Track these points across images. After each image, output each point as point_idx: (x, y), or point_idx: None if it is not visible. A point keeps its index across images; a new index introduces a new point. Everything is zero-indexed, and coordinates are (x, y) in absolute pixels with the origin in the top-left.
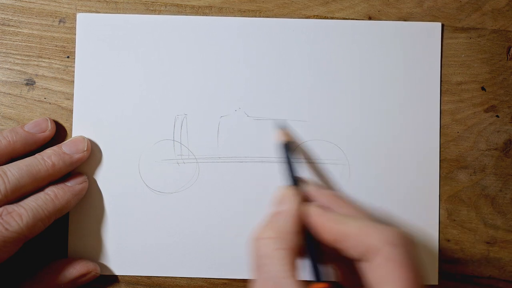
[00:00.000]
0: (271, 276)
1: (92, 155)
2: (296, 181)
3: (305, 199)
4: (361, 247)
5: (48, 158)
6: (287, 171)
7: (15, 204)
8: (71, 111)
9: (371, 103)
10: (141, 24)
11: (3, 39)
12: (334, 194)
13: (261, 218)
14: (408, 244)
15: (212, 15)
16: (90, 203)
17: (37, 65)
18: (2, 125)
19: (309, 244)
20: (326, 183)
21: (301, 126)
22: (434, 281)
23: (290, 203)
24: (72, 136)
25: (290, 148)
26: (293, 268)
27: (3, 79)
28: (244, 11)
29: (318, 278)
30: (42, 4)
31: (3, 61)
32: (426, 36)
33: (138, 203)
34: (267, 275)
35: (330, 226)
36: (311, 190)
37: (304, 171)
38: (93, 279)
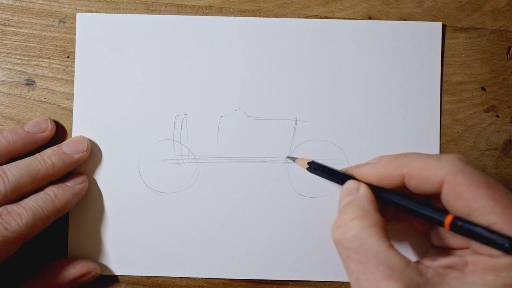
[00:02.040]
0: (372, 254)
1: (92, 155)
2: (347, 177)
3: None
4: (424, 183)
5: (48, 158)
6: (337, 174)
7: (14, 204)
8: (71, 111)
9: (371, 103)
10: (141, 24)
11: (3, 39)
12: (378, 158)
13: (260, 218)
14: (469, 166)
15: (212, 15)
16: (90, 203)
17: (37, 65)
18: (2, 125)
19: (399, 201)
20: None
21: (301, 126)
22: None
23: (361, 188)
24: (72, 136)
25: (315, 164)
26: (389, 242)
27: (3, 79)
28: (244, 11)
29: (438, 213)
30: (42, 4)
31: (3, 61)
32: (427, 36)
33: (138, 203)
34: (365, 256)
35: (389, 173)
36: (363, 171)
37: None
38: (93, 279)
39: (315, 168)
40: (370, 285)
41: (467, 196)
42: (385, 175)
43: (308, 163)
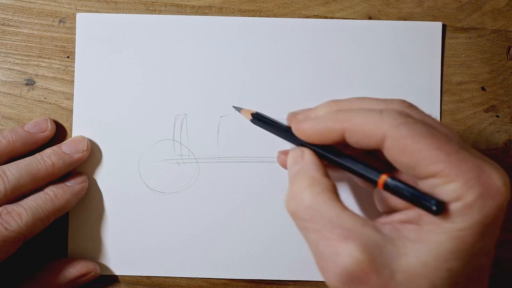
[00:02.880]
0: (326, 220)
1: (92, 155)
2: (295, 139)
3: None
4: (366, 139)
5: (48, 158)
6: (277, 130)
7: (14, 204)
8: (71, 111)
9: None
10: (141, 24)
11: (3, 39)
12: (317, 111)
13: (260, 218)
14: (413, 112)
15: (212, 15)
16: (90, 203)
17: (37, 65)
18: (2, 125)
19: (338, 160)
20: None
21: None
22: None
23: (305, 156)
24: (72, 136)
25: (258, 115)
26: (343, 205)
27: (3, 79)
28: (244, 11)
29: (376, 171)
30: (42, 4)
31: (3, 61)
32: (427, 36)
33: (138, 203)
34: (320, 223)
35: (329, 128)
36: (303, 129)
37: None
38: (93, 279)
39: (258, 119)
40: (329, 250)
41: (411, 149)
42: (326, 131)
43: (252, 114)
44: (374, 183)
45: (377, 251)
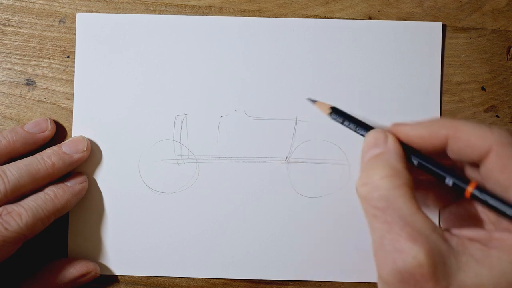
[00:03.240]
0: (399, 216)
1: (92, 155)
2: (370, 127)
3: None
4: (469, 148)
5: (48, 158)
6: (361, 124)
7: (14, 204)
8: (71, 111)
9: (371, 103)
10: (141, 24)
11: (3, 39)
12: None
13: (260, 218)
14: None
15: (212, 15)
16: (90, 203)
17: (37, 65)
18: (2, 125)
19: (425, 163)
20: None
21: (301, 126)
22: None
23: (389, 140)
24: (72, 136)
25: (337, 110)
26: (418, 205)
27: (3, 79)
28: (244, 11)
29: (460, 179)
30: (42, 4)
31: (3, 61)
32: (427, 36)
33: (138, 203)
34: (392, 216)
35: (432, 132)
36: (404, 130)
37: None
38: (93, 279)
39: (338, 114)
40: (394, 245)
41: (511, 170)
42: (429, 136)
43: (331, 108)
44: (461, 191)
45: (440, 260)
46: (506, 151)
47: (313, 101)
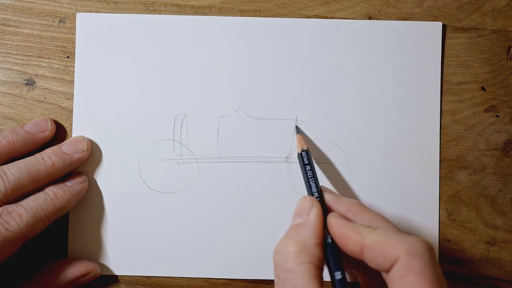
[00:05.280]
0: None
1: (92, 155)
2: (316, 191)
3: (326, 209)
4: (381, 257)
5: (48, 158)
6: (308, 180)
7: (15, 204)
8: (71, 111)
9: (371, 103)
10: (141, 24)
11: (3, 39)
12: (354, 203)
13: (260, 218)
14: (428, 254)
15: (212, 15)
16: (90, 203)
17: (37, 65)
18: (2, 125)
19: (331, 255)
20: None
21: (301, 126)
22: None
23: (311, 214)
24: (72, 136)
25: (309, 156)
26: (318, 282)
27: (3, 79)
28: (244, 11)
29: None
30: (42, 4)
31: (3, 61)
32: (427, 36)
33: (138, 203)
34: None
35: (351, 237)
36: (331, 200)
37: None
38: (93, 279)
39: (305, 157)
40: None
41: (409, 282)
42: (348, 239)
43: (302, 149)
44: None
45: None
46: (410, 261)
47: (297, 131)
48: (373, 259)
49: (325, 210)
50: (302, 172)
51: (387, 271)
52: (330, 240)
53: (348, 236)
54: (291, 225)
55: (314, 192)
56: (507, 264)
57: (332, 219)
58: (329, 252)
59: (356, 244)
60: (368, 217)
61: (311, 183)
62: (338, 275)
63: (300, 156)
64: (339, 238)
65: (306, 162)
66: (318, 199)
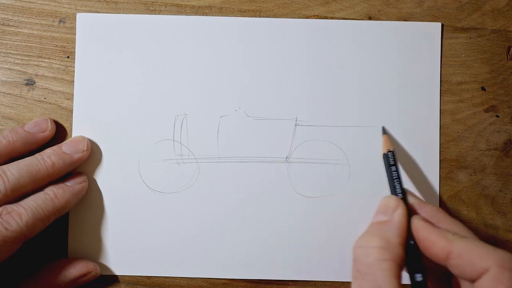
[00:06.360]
0: (375, 286)
1: (92, 155)
2: (401, 192)
3: (409, 211)
4: (469, 266)
5: (48, 158)
6: (392, 180)
7: (14, 204)
8: (71, 111)
9: (371, 103)
10: (141, 24)
11: (3, 39)
12: (439, 210)
13: (260, 218)
14: None
15: (212, 15)
16: (90, 203)
17: (37, 65)
18: (2, 125)
19: (412, 257)
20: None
21: (301, 126)
22: None
23: (396, 214)
24: (72, 136)
25: (395, 157)
26: (398, 280)
27: (3, 79)
28: (244, 11)
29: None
30: (42, 4)
31: (3, 61)
32: (426, 36)
33: (138, 203)
34: (371, 284)
35: (436, 242)
36: (414, 203)
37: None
38: (93, 279)
39: (391, 159)
40: None
41: None
42: (435, 243)
43: (389, 150)
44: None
45: None
46: (502, 274)
47: (384, 132)
48: (459, 266)
49: (409, 212)
50: (386, 172)
51: (473, 280)
52: (412, 242)
53: (434, 240)
54: (373, 221)
55: (399, 193)
56: None
57: (417, 222)
58: (412, 253)
59: (443, 249)
60: (452, 225)
61: (395, 183)
62: (419, 277)
63: (386, 156)
64: (424, 241)
65: (392, 162)
66: (403, 200)
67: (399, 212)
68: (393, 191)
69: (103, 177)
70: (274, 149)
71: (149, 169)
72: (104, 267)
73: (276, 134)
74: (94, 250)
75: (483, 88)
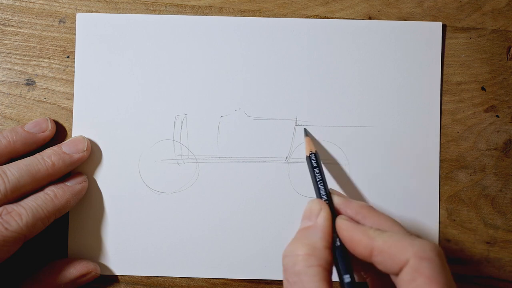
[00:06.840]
0: None
1: (92, 155)
2: (325, 194)
3: (335, 212)
4: (390, 260)
5: (48, 158)
6: (316, 183)
7: (14, 204)
8: (71, 111)
9: (371, 103)
10: (141, 24)
11: (3, 39)
12: (363, 205)
13: (260, 218)
14: (438, 258)
15: (212, 15)
16: (90, 203)
17: (37, 65)
18: (2, 125)
19: (340, 258)
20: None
21: (301, 126)
22: None
23: (319, 217)
24: (72, 136)
25: (317, 159)
26: (327, 284)
27: (3, 79)
28: (244, 11)
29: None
30: (42, 4)
31: (3, 61)
32: (427, 35)
33: (138, 203)
34: None
35: (360, 240)
36: (339, 203)
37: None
38: (93, 279)
39: (314, 160)
40: None
41: (418, 286)
42: (357, 241)
43: (311, 152)
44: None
45: None
46: (420, 264)
47: (306, 134)
48: (382, 262)
49: (334, 213)
50: (310, 174)
51: (396, 274)
52: (339, 243)
53: (357, 239)
54: (299, 228)
55: (323, 195)
56: (507, 264)
57: (341, 222)
58: (338, 255)
59: (365, 247)
60: (377, 220)
61: (319, 185)
62: (347, 278)
63: (309, 159)
64: (348, 241)
65: (315, 165)
66: (327, 202)
67: (322, 216)
68: (318, 194)
69: (103, 177)
70: (274, 149)
71: (149, 169)
72: (104, 267)
73: (276, 134)
74: (94, 250)
75: (483, 88)
